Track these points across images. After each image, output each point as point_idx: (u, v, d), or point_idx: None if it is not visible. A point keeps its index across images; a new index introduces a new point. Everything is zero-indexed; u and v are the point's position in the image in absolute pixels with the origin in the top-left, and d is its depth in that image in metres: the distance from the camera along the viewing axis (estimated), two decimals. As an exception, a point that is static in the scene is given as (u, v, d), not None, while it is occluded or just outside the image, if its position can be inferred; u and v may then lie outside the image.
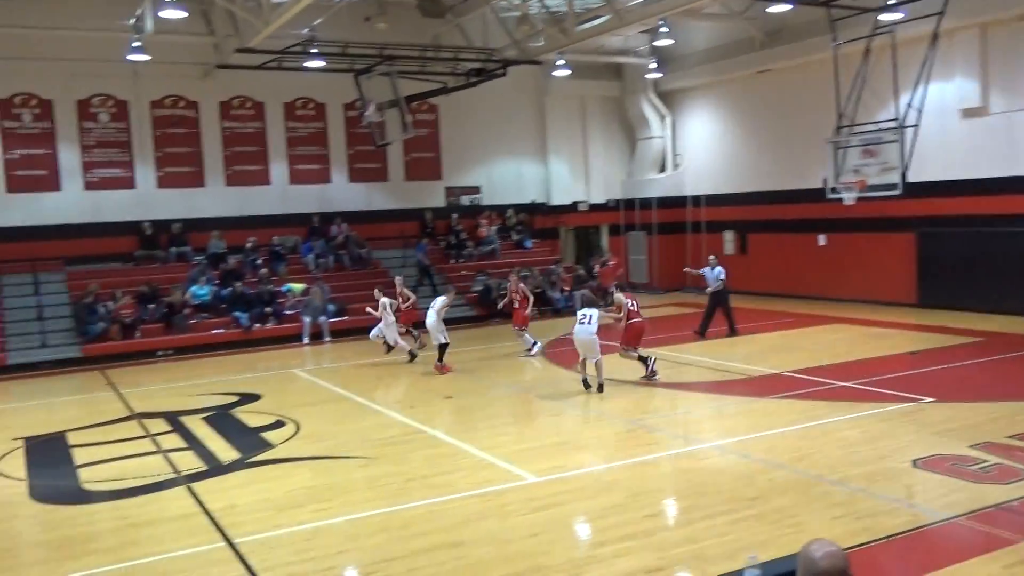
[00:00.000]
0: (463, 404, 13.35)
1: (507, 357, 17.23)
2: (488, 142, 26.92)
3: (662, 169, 28.48)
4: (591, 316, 13.13)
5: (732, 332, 18.16)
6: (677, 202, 27.75)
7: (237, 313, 20.31)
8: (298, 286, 21.53)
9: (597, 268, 24.67)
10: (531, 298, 17.44)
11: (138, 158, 22.60)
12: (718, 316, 18.15)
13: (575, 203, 28.45)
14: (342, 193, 24.94)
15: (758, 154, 25.28)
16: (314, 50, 19.88)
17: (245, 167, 23.89)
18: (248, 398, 14.19)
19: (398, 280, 18.40)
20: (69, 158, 21.89)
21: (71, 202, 21.83)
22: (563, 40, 21.70)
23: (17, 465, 10.74)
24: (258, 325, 20.40)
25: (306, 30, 19.59)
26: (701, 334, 18.09)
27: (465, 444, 10.60)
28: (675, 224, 27.83)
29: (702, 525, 7.58)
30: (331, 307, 21.06)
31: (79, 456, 11.00)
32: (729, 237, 26.38)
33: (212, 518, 8.31)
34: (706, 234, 27.16)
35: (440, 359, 15.69)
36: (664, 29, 20.42)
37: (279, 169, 24.29)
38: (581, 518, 8.10)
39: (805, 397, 12.28)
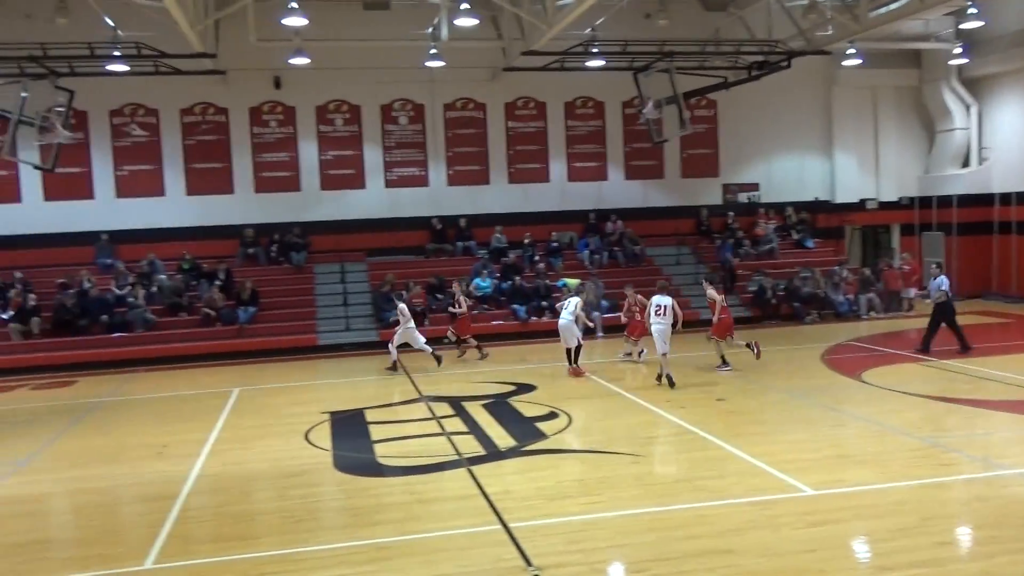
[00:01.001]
0: (735, 407, 13.04)
1: (782, 361, 16.58)
2: (768, 137, 25.99)
3: (965, 164, 25.96)
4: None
5: (964, 348, 16.32)
6: (982, 200, 25.16)
7: (515, 306, 21.22)
8: (573, 281, 22.00)
9: (884, 270, 23.03)
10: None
11: (431, 158, 24.32)
12: (945, 331, 16.41)
13: (863, 201, 26.69)
14: (618, 190, 25.23)
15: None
16: (595, 49, 20.25)
17: (526, 165, 24.89)
18: (524, 388, 14.81)
19: (457, 287, 18.94)
20: (373, 158, 24.03)
21: (373, 199, 23.98)
22: (855, 28, 20.44)
23: (324, 436, 11.99)
24: (534, 318, 21.18)
25: (588, 30, 20.00)
26: (924, 349, 16.44)
27: (736, 449, 10.36)
28: (979, 224, 25.26)
29: (1003, 560, 6.88)
30: (604, 303, 21.39)
31: (375, 432, 12.08)
32: (1046, 239, 23.54)
33: (489, 501, 8.78)
34: (1016, 236, 24.39)
35: (574, 362, 15.80)
36: (973, 10, 18.60)
37: (558, 167, 25.05)
38: (862, 538, 7.64)
39: None
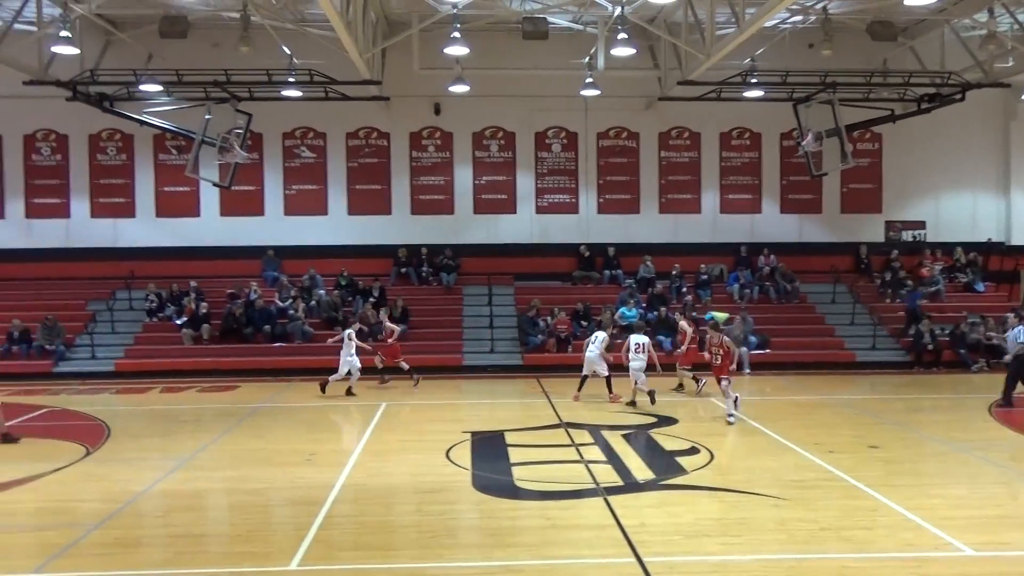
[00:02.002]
0: (890, 456, 12.36)
1: (944, 410, 15.61)
2: (937, 173, 24.68)
3: None
4: (599, 339, 16.44)
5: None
6: None
7: (661, 337, 20.95)
8: (721, 315, 21.49)
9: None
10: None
11: (582, 185, 24.49)
12: None
13: (1042, 243, 24.88)
14: (772, 224, 24.57)
15: None
16: (753, 79, 19.89)
17: (678, 195, 24.65)
18: (665, 421, 14.59)
19: (384, 313, 19.66)
20: (525, 184, 24.44)
21: (523, 224, 24.36)
22: (1039, 59, 19.20)
23: (464, 455, 12.21)
24: (680, 350, 20.81)
25: (747, 60, 19.68)
26: (1006, 403, 15.32)
27: (888, 500, 9.81)
28: None
29: None
30: (753, 339, 20.82)
31: (514, 455, 12.20)
32: None
33: (625, 533, 8.69)
34: None
35: (610, 389, 16.43)
36: None
37: (710, 198, 24.67)
38: (1026, 607, 7.08)
39: None
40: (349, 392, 17.22)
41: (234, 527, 9.50)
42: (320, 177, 24.31)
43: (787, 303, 23.08)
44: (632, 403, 15.85)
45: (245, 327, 21.18)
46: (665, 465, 11.57)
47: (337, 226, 24.19)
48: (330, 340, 18.82)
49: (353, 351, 17.29)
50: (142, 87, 19.66)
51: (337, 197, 24.32)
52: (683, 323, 17.98)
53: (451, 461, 11.89)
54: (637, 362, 15.77)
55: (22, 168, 23.97)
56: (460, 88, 20.77)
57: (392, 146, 24.41)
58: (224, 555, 8.47)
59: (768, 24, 18.87)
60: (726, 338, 16.42)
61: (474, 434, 13.53)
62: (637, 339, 16.00)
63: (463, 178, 24.48)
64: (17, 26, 18.97)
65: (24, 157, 23.97)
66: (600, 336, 16.73)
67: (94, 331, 21.59)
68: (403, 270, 23.73)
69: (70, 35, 17.52)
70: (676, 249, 24.07)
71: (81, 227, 23.96)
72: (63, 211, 24.03)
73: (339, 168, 24.32)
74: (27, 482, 10.91)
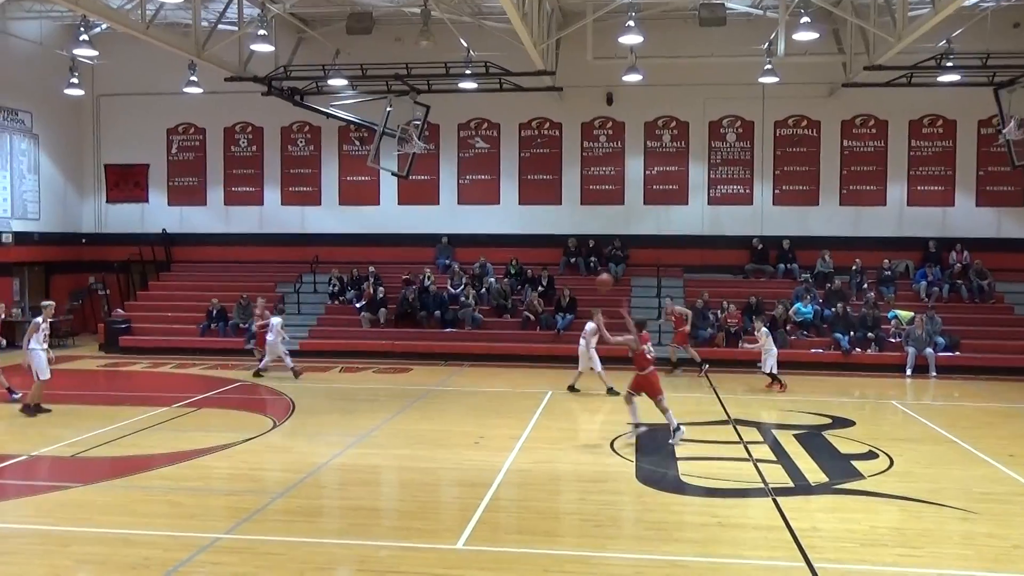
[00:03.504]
0: (1097, 473, 11.29)
1: None
2: None
3: None
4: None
5: None
6: None
7: (838, 335, 20.04)
8: (905, 314, 20.39)
9: None
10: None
11: (757, 176, 23.73)
12: None
13: None
14: (966, 218, 22.93)
15: None
16: (949, 63, 18.59)
17: (861, 187, 23.44)
18: (840, 422, 13.95)
19: (261, 301, 19.51)
20: (697, 175, 23.95)
21: (695, 215, 23.90)
22: None
23: (628, 447, 12.17)
24: (858, 350, 19.85)
25: (942, 42, 18.43)
26: None
27: (1095, 521, 8.98)
28: None
29: None
30: (940, 340, 19.52)
31: (679, 449, 12.02)
32: None
33: (795, 536, 8.40)
34: None
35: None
36: None
37: (897, 190, 23.30)
38: None
39: None
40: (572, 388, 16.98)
41: (404, 503, 9.91)
42: (493, 167, 24.79)
43: (981, 303, 21.47)
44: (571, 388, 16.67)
45: (419, 312, 21.95)
46: (840, 468, 11.08)
47: (508, 215, 24.62)
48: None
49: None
50: (329, 81, 20.68)
51: (509, 187, 24.74)
52: (680, 308, 19.45)
53: (615, 452, 11.89)
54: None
55: (222, 159, 25.88)
56: (634, 77, 20.58)
57: (564, 136, 24.53)
58: (395, 529, 8.86)
59: (967, 3, 17.58)
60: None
61: (638, 426, 13.42)
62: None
63: (634, 168, 24.27)
64: (220, 26, 20.41)
65: (224, 148, 25.86)
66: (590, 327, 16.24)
67: (283, 312, 23.01)
68: (572, 260, 23.84)
69: (266, 33, 18.69)
70: (857, 243, 22.89)
71: (272, 214, 25.60)
72: (257, 199, 25.75)
73: (511, 158, 24.71)
74: (221, 450, 11.81)
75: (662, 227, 23.95)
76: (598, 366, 16.55)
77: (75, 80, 22.09)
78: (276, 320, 18.25)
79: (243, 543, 8.16)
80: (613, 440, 12.49)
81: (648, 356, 12.56)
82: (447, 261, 23.98)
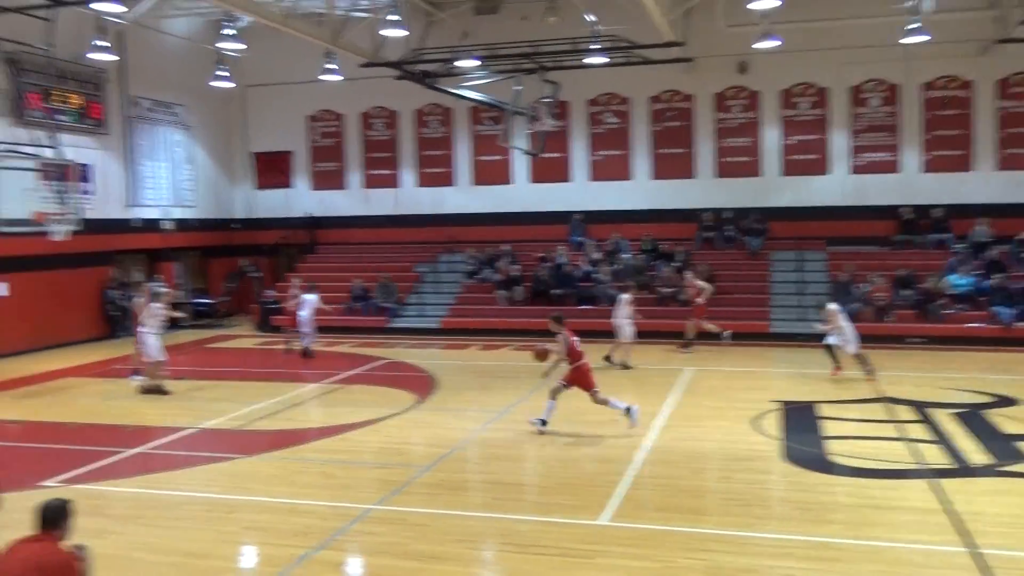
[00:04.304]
0: None
1: None
2: None
3: None
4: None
5: None
6: None
7: (998, 308, 18.86)
8: (1074, 284, 18.97)
9: None
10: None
11: (905, 142, 22.54)
12: None
13: None
14: None
15: None
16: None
17: (1020, 150, 21.89)
18: (1004, 401, 13.16)
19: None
20: (838, 143, 22.98)
21: (836, 185, 22.97)
22: None
23: (773, 425, 11.88)
24: (1021, 323, 18.64)
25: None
26: None
27: None
28: None
29: None
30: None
31: (828, 428, 11.66)
32: None
33: (955, 520, 8.01)
34: None
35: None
36: None
37: (1063, 152, 21.65)
38: None
39: None
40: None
41: (545, 479, 10.01)
42: (624, 142, 24.53)
43: None
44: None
45: (553, 289, 22.05)
46: (1005, 450, 10.46)
47: (641, 191, 24.33)
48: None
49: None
50: (459, 63, 20.92)
51: (641, 162, 24.44)
52: (699, 281, 18.80)
53: (759, 430, 11.63)
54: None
55: (360, 143, 26.68)
56: (769, 44, 19.83)
57: (695, 108, 23.98)
58: (537, 504, 8.98)
59: None
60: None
61: (784, 404, 13.10)
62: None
63: (770, 138, 23.49)
64: (353, 14, 20.95)
65: (361, 133, 26.65)
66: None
67: (421, 291, 23.66)
68: (707, 234, 23.36)
69: (398, 18, 19.06)
70: (1019, 210, 21.41)
71: (408, 196, 26.23)
72: (393, 181, 26.44)
73: (642, 133, 24.38)
74: (370, 424, 12.26)
75: (801, 199, 23.11)
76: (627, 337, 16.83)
77: (222, 73, 23.20)
78: (311, 297, 18.69)
79: (393, 514, 8.46)
80: (757, 417, 12.19)
81: (578, 348, 11.80)
82: (580, 238, 23.96)
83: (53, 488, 9.35)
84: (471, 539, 7.94)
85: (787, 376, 15.90)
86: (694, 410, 13.00)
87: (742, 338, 19.44)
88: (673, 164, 24.13)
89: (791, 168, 23.35)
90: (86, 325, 21.58)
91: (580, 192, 24.72)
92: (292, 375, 16.76)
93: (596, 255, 22.87)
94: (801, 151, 23.27)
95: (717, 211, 23.50)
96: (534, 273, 22.51)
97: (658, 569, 7.08)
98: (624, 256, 22.85)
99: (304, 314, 18.61)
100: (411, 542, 7.71)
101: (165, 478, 10.04)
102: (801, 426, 11.81)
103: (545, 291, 22.07)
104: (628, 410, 11.55)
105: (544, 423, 11.63)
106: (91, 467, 10.34)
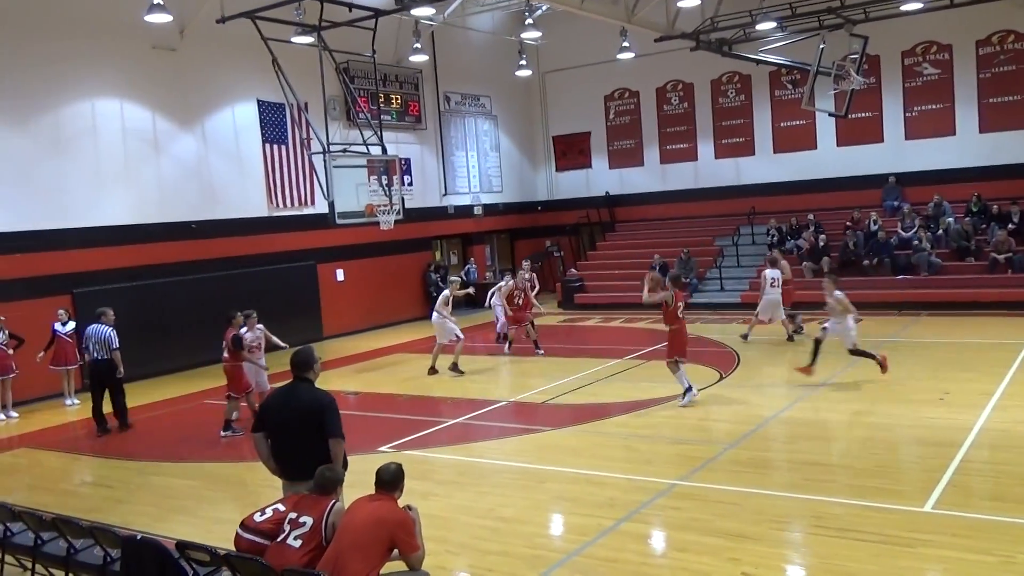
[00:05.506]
0: None
1: None
2: None
3: None
4: None
5: None
6: None
7: None
8: None
9: None
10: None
11: None
12: None
13: None
14: None
15: None
16: None
17: None
18: None
19: None
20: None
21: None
22: None
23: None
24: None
25: None
26: None
27: None
28: None
29: None
30: None
31: None
32: None
33: None
34: None
35: None
36: None
37: None
38: None
39: None
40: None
41: (860, 460, 9.45)
42: (946, 95, 22.26)
43: None
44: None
45: (864, 259, 20.64)
46: None
47: (966, 146, 21.96)
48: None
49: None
50: (758, 27, 20.12)
51: (966, 114, 22.04)
52: (783, 264, 17.39)
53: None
54: (773, 296, 16.46)
55: (656, 119, 26.66)
56: None
57: (1035, 48, 21.20)
58: (851, 487, 8.52)
59: None
60: None
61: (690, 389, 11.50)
62: (772, 273, 16.50)
63: None
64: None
65: (657, 108, 26.61)
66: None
67: (722, 264, 23.21)
68: (1050, 190, 20.62)
69: (693, -12, 18.74)
70: None
71: (706, 168, 25.81)
72: (691, 155, 26.13)
73: (968, 82, 21.96)
74: (669, 400, 12.31)
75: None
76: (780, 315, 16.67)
77: (523, 62, 24.24)
78: (500, 284, 18.23)
79: (697, 490, 8.47)
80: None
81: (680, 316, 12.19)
82: (895, 203, 22.17)
83: (387, 453, 10.46)
84: (779, 519, 7.71)
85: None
86: (1036, 390, 11.62)
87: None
88: (1005, 114, 21.51)
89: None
90: (410, 305, 23.70)
91: (894, 152, 22.85)
92: (596, 351, 17.23)
93: (914, 220, 21.05)
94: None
95: (1063, 164, 20.66)
96: (842, 242, 21.19)
97: (996, 564, 6.44)
98: (948, 220, 20.81)
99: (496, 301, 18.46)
100: (716, 519, 7.67)
101: (481, 447, 10.83)
102: None
103: (855, 261, 20.72)
104: (689, 389, 11.90)
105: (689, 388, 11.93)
106: (418, 435, 11.41)
